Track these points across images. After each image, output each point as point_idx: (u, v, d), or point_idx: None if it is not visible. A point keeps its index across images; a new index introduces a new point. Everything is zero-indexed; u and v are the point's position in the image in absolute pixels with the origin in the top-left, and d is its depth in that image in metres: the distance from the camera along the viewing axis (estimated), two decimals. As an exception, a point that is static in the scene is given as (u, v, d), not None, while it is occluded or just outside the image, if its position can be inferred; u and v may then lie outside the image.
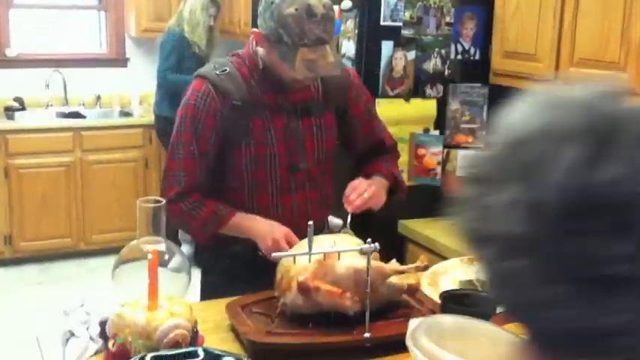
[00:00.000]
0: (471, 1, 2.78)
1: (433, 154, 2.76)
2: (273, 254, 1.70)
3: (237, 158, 1.96)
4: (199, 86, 1.94)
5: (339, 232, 2.00)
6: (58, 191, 4.88)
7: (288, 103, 1.97)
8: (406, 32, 2.66)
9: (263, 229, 1.92)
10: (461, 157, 2.83)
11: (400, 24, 2.65)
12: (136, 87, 5.50)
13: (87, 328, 1.65)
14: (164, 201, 1.60)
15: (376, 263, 1.71)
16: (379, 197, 2.03)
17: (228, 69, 1.94)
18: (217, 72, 1.93)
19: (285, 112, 1.97)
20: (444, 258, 2.44)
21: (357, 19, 2.64)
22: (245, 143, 1.95)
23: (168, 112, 4.69)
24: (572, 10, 2.40)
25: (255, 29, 1.89)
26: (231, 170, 1.99)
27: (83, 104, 5.36)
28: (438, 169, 2.78)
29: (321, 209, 2.09)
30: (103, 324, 1.64)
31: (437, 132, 2.79)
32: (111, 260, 5.56)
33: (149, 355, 1.47)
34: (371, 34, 2.65)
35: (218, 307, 1.82)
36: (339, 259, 1.69)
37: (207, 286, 2.13)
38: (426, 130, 2.77)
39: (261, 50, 1.91)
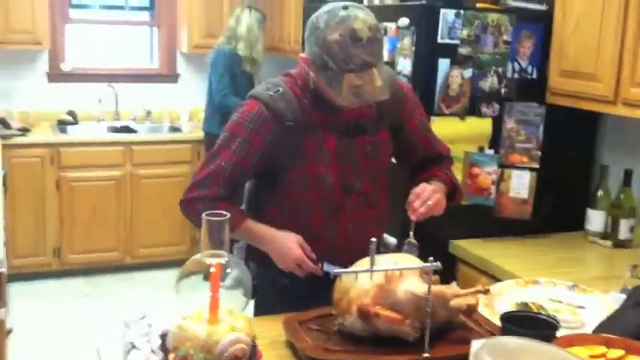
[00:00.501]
0: (530, 19, 2.74)
1: (488, 174, 2.72)
2: (335, 270, 1.69)
3: (290, 179, 1.95)
4: (252, 107, 1.93)
5: (403, 244, 1.97)
6: (108, 205, 4.96)
7: (341, 122, 1.95)
8: (463, 50, 2.64)
9: (279, 238, 1.94)
10: (515, 177, 2.79)
11: (457, 42, 2.63)
12: (186, 103, 5.59)
13: (148, 341, 1.66)
14: (228, 215, 1.59)
15: (437, 287, 1.69)
16: (442, 203, 2.00)
17: (281, 89, 1.93)
18: (271, 92, 1.92)
19: (338, 132, 1.95)
20: (497, 279, 2.41)
21: (415, 37, 2.63)
22: (297, 164, 1.94)
23: (218, 129, 4.73)
24: (635, 29, 2.36)
25: (302, 54, 1.89)
26: (282, 191, 1.98)
27: (134, 119, 5.45)
28: (492, 189, 2.74)
29: (377, 227, 2.07)
30: (163, 337, 1.65)
31: (492, 151, 2.75)
32: (156, 274, 5.68)
33: (211, 369, 1.47)
34: (428, 52, 2.63)
35: (273, 323, 1.82)
36: (400, 276, 1.67)
37: (261, 302, 2.12)
38: (481, 149, 2.74)
39: (311, 74, 1.90)
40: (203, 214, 1.60)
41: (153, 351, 1.64)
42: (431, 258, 1.67)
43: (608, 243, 2.77)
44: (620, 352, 1.59)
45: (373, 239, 1.62)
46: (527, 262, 2.56)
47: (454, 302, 1.73)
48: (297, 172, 1.94)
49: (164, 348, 1.63)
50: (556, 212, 2.91)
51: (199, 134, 5.03)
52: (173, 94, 5.66)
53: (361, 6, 1.87)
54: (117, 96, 5.42)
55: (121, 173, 4.96)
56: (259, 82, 4.90)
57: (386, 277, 1.69)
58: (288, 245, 1.93)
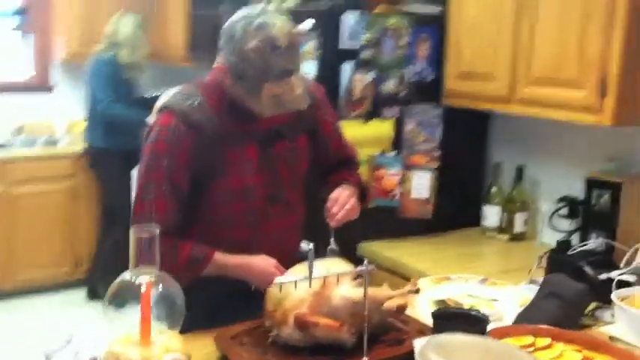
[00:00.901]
0: (425, 23, 2.82)
1: (392, 175, 2.77)
2: (277, 279, 1.66)
3: (213, 192, 1.88)
4: (168, 121, 1.82)
5: (326, 250, 1.97)
6: (-19, 228, 4.62)
7: (260, 131, 1.91)
8: (364, 54, 2.68)
9: (256, 263, 1.87)
10: (416, 177, 2.86)
11: (358, 46, 2.66)
12: (63, 115, 5.30)
13: (74, 368, 1.56)
14: (158, 229, 1.52)
15: (370, 291, 1.70)
16: (357, 207, 2.00)
17: (197, 100, 1.84)
18: (187, 104, 1.84)
19: (258, 141, 1.91)
20: (407, 279, 2.46)
21: (319, 41, 2.64)
22: (220, 176, 1.87)
23: (101, 141, 4.57)
24: (529, 27, 2.47)
25: (217, 63, 1.82)
26: (206, 205, 1.90)
27: (6, 134, 5.10)
28: (397, 190, 2.80)
29: (297, 234, 2.06)
30: (91, 362, 1.55)
31: (393, 153, 2.81)
32: (37, 299, 5.36)
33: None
34: (331, 56, 2.65)
35: (201, 340, 1.76)
36: (338, 282, 1.67)
37: (185, 320, 2.04)
38: (383, 152, 2.79)
39: (227, 84, 1.83)
40: (131, 228, 1.52)
41: (81, 379, 1.54)
42: (366, 261, 1.68)
43: (505, 237, 2.90)
44: (547, 341, 1.67)
45: (311, 245, 1.60)
46: (433, 259, 2.63)
47: (385, 304, 1.75)
48: (219, 186, 1.87)
49: (94, 375, 1.54)
50: (455, 210, 3.01)
51: (79, 147, 4.81)
52: (48, 106, 5.35)
53: (276, 11, 1.85)
54: (-15, 110, 5.07)
55: (-5, 193, 4.63)
56: (140, 88, 4.77)
57: (321, 285, 1.68)
58: (270, 271, 1.86)
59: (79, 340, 1.65)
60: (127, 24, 4.59)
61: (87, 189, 4.89)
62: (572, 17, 2.32)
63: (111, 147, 4.56)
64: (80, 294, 4.89)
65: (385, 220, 2.82)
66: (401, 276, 2.55)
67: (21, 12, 5.43)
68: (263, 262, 1.88)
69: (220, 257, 1.88)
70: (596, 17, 2.25)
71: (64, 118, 5.29)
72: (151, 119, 2.11)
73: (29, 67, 5.42)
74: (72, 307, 4.73)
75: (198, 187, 1.87)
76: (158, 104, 1.90)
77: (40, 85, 5.36)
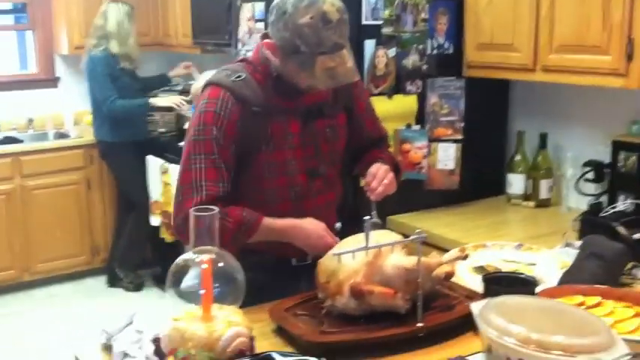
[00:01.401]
0: (443, -4, 2.85)
1: (418, 149, 2.80)
2: (333, 251, 1.69)
3: (257, 166, 1.91)
4: (216, 94, 1.86)
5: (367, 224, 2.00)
6: (-1, 221, 4.65)
7: (303, 107, 1.94)
8: (386, 30, 2.70)
9: (306, 225, 1.90)
10: (441, 150, 2.89)
11: (380, 22, 2.68)
12: (69, 107, 5.32)
13: (140, 347, 1.59)
14: (217, 209, 1.55)
15: (422, 259, 1.73)
16: (394, 182, 2.04)
17: (242, 75, 1.88)
18: (232, 79, 1.88)
19: (300, 116, 1.94)
20: (441, 249, 2.49)
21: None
22: (264, 150, 1.90)
23: (109, 136, 4.59)
24: (549, -2, 2.50)
25: (267, 40, 1.85)
26: (250, 178, 1.93)
27: (15, 128, 5.12)
28: (424, 163, 2.83)
29: (334, 210, 2.10)
30: (156, 341, 1.58)
31: (418, 127, 2.84)
32: (57, 289, 5.49)
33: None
34: (354, 34, 2.65)
35: (253, 315, 1.79)
36: (392, 252, 1.70)
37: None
38: (409, 126, 2.82)
39: (274, 60, 1.85)
40: (191, 210, 1.55)
41: (147, 357, 1.57)
42: (418, 229, 1.72)
43: (531, 204, 2.94)
44: (597, 299, 1.70)
45: (367, 217, 1.64)
46: (464, 229, 2.68)
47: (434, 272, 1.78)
48: (264, 158, 1.90)
49: (159, 352, 1.57)
50: (479, 179, 3.04)
51: (89, 138, 4.83)
52: (54, 98, 5.37)
53: None
54: (-6, 105, 5.08)
55: (11, 187, 4.65)
56: (141, 75, 4.77)
57: (373, 255, 1.71)
58: (320, 234, 1.91)
59: (139, 320, 1.67)
60: (113, 14, 4.51)
61: (100, 178, 4.93)
62: (595, -17, 2.34)
63: (119, 140, 4.58)
64: (100, 281, 4.95)
65: (413, 192, 2.85)
66: (434, 246, 2.58)
67: (21, 9, 5.43)
68: (313, 225, 1.92)
69: (270, 221, 1.90)
70: (618, -18, 2.27)
71: (70, 109, 5.30)
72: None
73: (32, 62, 5.41)
74: (93, 295, 4.79)
75: (243, 161, 1.90)
76: (199, 84, 1.93)
77: (45, 79, 5.35)
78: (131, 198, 4.73)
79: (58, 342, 4.01)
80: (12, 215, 4.67)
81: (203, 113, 1.86)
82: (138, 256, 4.87)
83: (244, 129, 1.86)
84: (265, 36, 1.89)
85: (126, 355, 1.58)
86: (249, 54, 3.18)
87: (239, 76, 1.88)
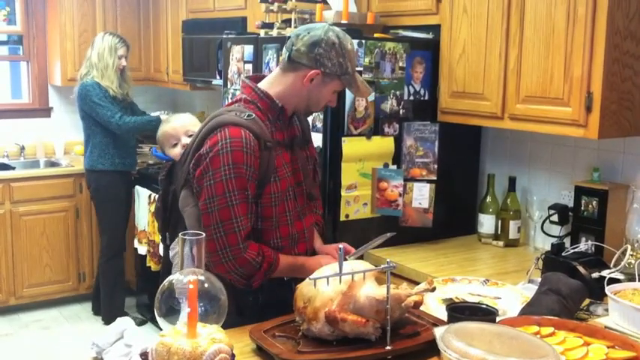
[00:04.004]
0: (420, 47, 3.05)
1: (394, 187, 2.97)
2: (314, 276, 1.85)
3: (266, 195, 2.10)
4: (238, 133, 2.01)
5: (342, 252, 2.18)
6: (-13, 246, 4.76)
7: (288, 139, 2.18)
8: (366, 76, 2.89)
9: (326, 261, 2.14)
10: (416, 189, 3.06)
11: (361, 69, 2.87)
12: (60, 136, 5.47)
13: (128, 361, 1.72)
14: (203, 235, 1.70)
15: (392, 290, 1.89)
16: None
17: (252, 115, 2.06)
18: (245, 118, 2.04)
19: (289, 147, 2.17)
20: (414, 281, 2.65)
21: (323, 65, 2.84)
22: (272, 181, 2.09)
23: (99, 164, 4.53)
24: (517, 51, 2.70)
25: (314, 70, 2.07)
26: (261, 209, 2.11)
27: (7, 155, 5.26)
28: (400, 201, 2.99)
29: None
30: (144, 355, 1.72)
31: (394, 167, 3.01)
32: (44, 314, 5.57)
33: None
34: (336, 79, 2.85)
35: (236, 335, 1.93)
36: (365, 282, 1.86)
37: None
38: (386, 165, 2.99)
39: (302, 90, 2.10)
40: (181, 234, 1.70)
41: (135, 371, 1.70)
42: (388, 260, 1.88)
43: (500, 243, 3.11)
44: (550, 329, 1.87)
45: (341, 245, 1.80)
46: (436, 264, 2.83)
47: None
48: (271, 189, 2.09)
49: (146, 366, 1.70)
50: (452, 218, 3.22)
51: (79, 167, 4.95)
52: (47, 128, 5.52)
53: None
54: (-14, 133, 5.23)
55: (1, 212, 4.78)
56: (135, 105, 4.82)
57: (347, 285, 1.86)
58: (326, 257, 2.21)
59: (129, 335, 1.81)
60: (97, 44, 4.54)
61: (89, 207, 5.05)
62: (557, 42, 2.54)
63: (108, 168, 4.54)
64: (86, 307, 5.05)
65: (388, 228, 3.00)
66: (407, 279, 2.73)
67: (16, 39, 5.60)
68: (326, 259, 2.18)
69: (290, 259, 2.16)
70: (578, 41, 2.47)
71: (62, 139, 5.45)
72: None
73: (26, 92, 5.57)
74: (78, 321, 4.88)
75: (256, 193, 2.09)
76: (209, 125, 2.08)
77: (39, 109, 5.51)
78: (103, 225, 4.69)
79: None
80: (0, 240, 4.78)
81: (231, 153, 2.00)
82: (121, 302, 4.81)
83: (261, 163, 2.05)
84: (257, 79, 2.15)
85: (115, 368, 1.71)
86: (237, 92, 3.39)
87: (249, 115, 2.06)
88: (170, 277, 1.75)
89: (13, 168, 5.07)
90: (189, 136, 2.58)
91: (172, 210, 2.32)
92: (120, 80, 4.57)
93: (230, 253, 2.03)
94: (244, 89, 2.15)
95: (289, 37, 2.12)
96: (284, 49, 2.13)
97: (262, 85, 2.14)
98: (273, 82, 2.14)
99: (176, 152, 2.64)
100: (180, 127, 2.70)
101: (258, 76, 2.23)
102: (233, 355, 1.70)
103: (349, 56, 2.10)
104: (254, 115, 2.07)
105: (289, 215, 2.16)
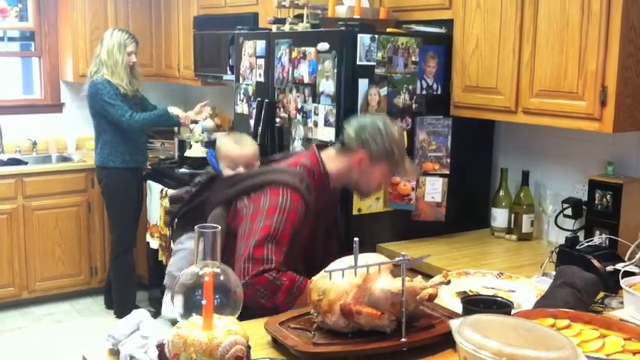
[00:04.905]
0: (433, 42, 3.04)
1: (407, 181, 2.98)
2: (329, 269, 1.85)
3: (294, 245, 2.27)
4: (297, 199, 2.27)
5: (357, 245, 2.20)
6: (0, 240, 4.78)
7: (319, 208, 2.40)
8: (379, 71, 2.89)
9: None
10: (429, 183, 3.06)
11: (374, 63, 2.88)
12: (72, 131, 5.50)
13: (145, 352, 1.73)
14: (219, 227, 1.71)
15: (407, 283, 1.89)
16: None
17: (307, 183, 2.32)
18: (304, 187, 2.29)
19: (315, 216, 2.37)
20: (427, 275, 2.65)
21: (336, 60, 2.85)
22: (300, 233, 2.29)
23: (110, 161, 4.53)
24: (531, 45, 2.70)
25: (361, 152, 2.34)
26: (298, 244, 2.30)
27: (19, 150, 5.29)
28: (412, 195, 3.00)
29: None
30: (160, 347, 1.73)
31: (408, 161, 3.02)
32: (56, 307, 5.62)
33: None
34: (348, 73, 2.86)
35: (250, 327, 1.94)
36: (380, 275, 1.86)
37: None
38: (399, 160, 2.99)
39: (360, 168, 2.36)
40: (197, 227, 1.71)
41: (151, 361, 1.71)
42: (402, 253, 1.88)
43: (513, 237, 3.11)
44: (565, 322, 1.87)
45: (356, 239, 1.80)
46: (450, 258, 2.83)
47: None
48: (301, 241, 2.30)
49: (162, 357, 1.71)
50: (464, 212, 3.22)
51: (91, 162, 4.96)
52: (58, 123, 5.55)
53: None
54: (0, 128, 5.24)
55: (14, 206, 4.81)
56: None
57: (362, 278, 1.87)
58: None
59: (145, 326, 1.82)
60: (105, 41, 4.52)
61: (101, 202, 5.05)
62: (571, 37, 2.54)
63: (119, 165, 4.54)
64: (98, 301, 5.08)
65: (401, 222, 3.03)
66: (420, 273, 2.73)
67: (28, 36, 5.63)
68: None
69: None
70: (593, 36, 2.46)
71: (73, 134, 5.48)
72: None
73: (38, 88, 5.60)
74: (91, 315, 4.92)
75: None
76: (272, 178, 2.32)
77: (51, 104, 5.54)
78: (113, 221, 4.70)
79: (56, 357, 4.13)
80: (13, 234, 4.82)
81: (288, 211, 2.25)
82: (133, 296, 4.83)
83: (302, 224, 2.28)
84: (321, 147, 2.46)
85: (132, 358, 1.72)
86: (250, 88, 3.40)
87: (306, 183, 2.31)
88: (189, 268, 1.76)
89: (26, 163, 5.10)
90: (248, 167, 2.60)
91: (195, 211, 2.47)
92: (130, 77, 4.56)
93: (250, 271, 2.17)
94: (311, 157, 2.40)
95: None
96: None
97: (324, 157, 2.40)
98: (332, 159, 2.41)
99: (228, 172, 2.63)
100: (246, 157, 2.65)
101: (321, 145, 2.54)
102: (249, 347, 1.71)
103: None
104: (307, 182, 2.32)
105: (332, 248, 2.42)
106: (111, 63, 4.46)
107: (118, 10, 5.36)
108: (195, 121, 4.62)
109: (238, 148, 2.66)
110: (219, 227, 1.72)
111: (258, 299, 2.14)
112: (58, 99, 5.57)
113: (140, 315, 1.90)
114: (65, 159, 5.31)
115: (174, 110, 4.53)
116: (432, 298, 1.97)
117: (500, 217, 3.15)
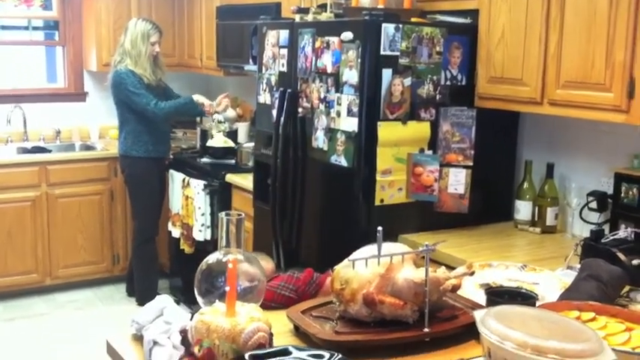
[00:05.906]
0: (458, 32, 3.02)
1: (430, 172, 2.96)
2: (350, 257, 1.85)
3: None
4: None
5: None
6: (24, 226, 4.84)
7: None
8: (403, 61, 2.87)
9: None
10: (452, 174, 3.04)
11: (397, 53, 2.86)
12: (95, 120, 5.54)
13: (168, 337, 1.74)
14: (243, 214, 1.72)
15: (431, 273, 1.88)
16: None
17: None
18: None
19: None
20: (449, 267, 2.63)
21: (360, 50, 2.84)
22: None
23: (134, 150, 4.56)
24: (557, 36, 2.66)
25: None
26: None
27: (43, 139, 5.34)
28: (436, 186, 2.98)
29: None
30: (183, 332, 1.74)
31: (430, 152, 3.00)
32: (78, 294, 5.69)
33: (247, 354, 1.58)
34: (372, 63, 2.84)
35: (273, 315, 1.94)
36: (403, 265, 1.85)
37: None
38: (422, 150, 2.98)
39: None
40: (221, 214, 1.72)
41: (174, 346, 1.72)
42: (426, 243, 1.87)
43: (537, 230, 3.08)
44: (591, 315, 1.84)
45: (380, 228, 1.80)
46: (472, 250, 2.81)
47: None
48: None
49: (185, 342, 1.72)
50: (488, 204, 3.20)
51: (114, 151, 4.99)
52: (82, 112, 5.59)
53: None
54: (25, 116, 5.29)
55: (37, 194, 4.86)
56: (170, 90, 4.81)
57: (385, 267, 1.86)
58: None
59: (169, 312, 1.83)
60: (129, 31, 4.52)
61: (123, 191, 5.09)
62: (599, 26, 2.50)
63: (142, 155, 4.57)
64: (120, 289, 5.13)
65: (424, 213, 3.02)
66: (443, 265, 2.71)
67: (52, 25, 5.66)
68: None
69: None
70: (621, 27, 2.42)
71: (96, 123, 5.52)
72: None
73: (62, 77, 5.65)
74: (113, 302, 4.97)
75: None
76: None
77: (75, 93, 5.58)
78: (135, 210, 4.73)
79: (78, 342, 4.17)
80: (37, 221, 4.87)
81: None
82: (155, 284, 4.84)
83: None
84: None
85: (155, 343, 1.73)
86: (272, 78, 3.40)
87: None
88: (213, 255, 1.77)
89: (50, 151, 5.15)
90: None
91: None
92: (153, 67, 4.57)
93: None
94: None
95: None
96: None
97: None
98: None
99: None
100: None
101: None
102: (271, 334, 1.71)
103: None
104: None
105: None
106: (134, 53, 4.47)
107: (141, 0, 5.38)
108: (216, 112, 4.63)
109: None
110: (243, 215, 1.73)
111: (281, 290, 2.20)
112: (82, 88, 5.61)
113: (164, 301, 1.91)
114: (88, 147, 5.35)
115: (199, 98, 4.53)
116: (455, 288, 1.96)
117: (524, 209, 3.13)
